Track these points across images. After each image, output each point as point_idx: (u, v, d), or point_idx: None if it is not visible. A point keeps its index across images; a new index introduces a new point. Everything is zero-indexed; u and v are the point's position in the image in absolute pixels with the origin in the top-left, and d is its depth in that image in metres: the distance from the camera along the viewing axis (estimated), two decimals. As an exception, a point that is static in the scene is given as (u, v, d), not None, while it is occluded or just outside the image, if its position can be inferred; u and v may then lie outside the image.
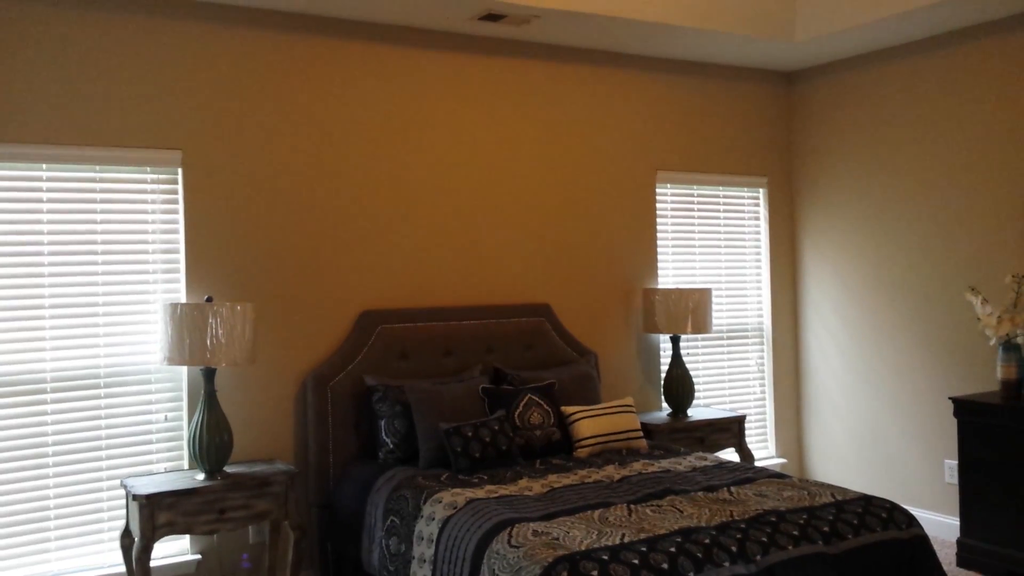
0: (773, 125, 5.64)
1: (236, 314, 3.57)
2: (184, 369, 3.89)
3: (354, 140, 4.30)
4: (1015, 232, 4.46)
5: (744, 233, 5.56)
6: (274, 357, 4.08)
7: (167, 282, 3.90)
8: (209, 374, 3.63)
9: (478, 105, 4.63)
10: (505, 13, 4.22)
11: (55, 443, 3.67)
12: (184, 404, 3.91)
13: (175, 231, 3.92)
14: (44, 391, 3.65)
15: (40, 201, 3.66)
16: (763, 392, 5.60)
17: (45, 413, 3.65)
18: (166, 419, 3.89)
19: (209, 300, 3.64)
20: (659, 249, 5.19)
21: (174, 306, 3.51)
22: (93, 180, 3.77)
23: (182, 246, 3.91)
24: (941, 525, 4.74)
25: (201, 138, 3.95)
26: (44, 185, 3.67)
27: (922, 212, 4.90)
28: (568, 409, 4.19)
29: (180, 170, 3.90)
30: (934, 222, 4.83)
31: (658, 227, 5.20)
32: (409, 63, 4.44)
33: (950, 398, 4.30)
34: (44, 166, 3.67)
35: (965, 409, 4.20)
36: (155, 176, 3.89)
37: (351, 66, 4.30)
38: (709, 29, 4.58)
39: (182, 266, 3.91)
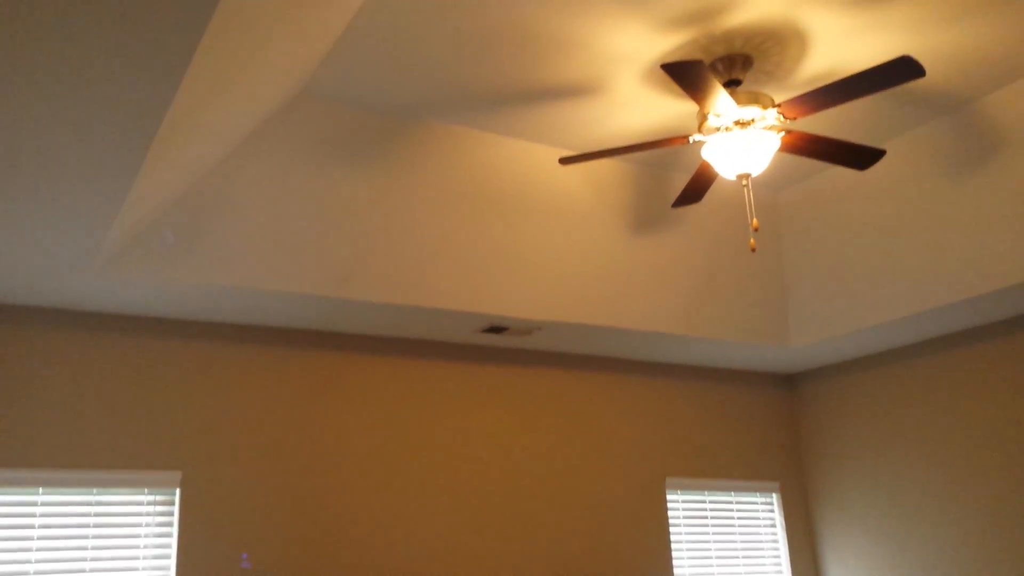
0: (780, 428, 5.60)
1: (221, 650, 3.31)
2: None
3: (354, 455, 4.26)
4: (1046, 539, 4.25)
5: (761, 542, 5.31)
6: None
7: (152, 612, 3.68)
8: None
9: (481, 414, 4.64)
10: (507, 326, 4.36)
11: None
12: None
13: (167, 555, 3.76)
14: None
15: (32, 528, 3.56)
16: None
17: None
18: None
19: (194, 634, 3.40)
20: (675, 561, 4.94)
21: (156, 643, 3.28)
22: (88, 504, 3.69)
23: (173, 573, 3.73)
24: None
25: (201, 458, 3.91)
26: (38, 510, 3.59)
27: (950, 519, 4.69)
28: None
29: (178, 490, 3.83)
30: (964, 530, 4.61)
31: (672, 536, 4.98)
32: (412, 375, 4.52)
33: None
34: (40, 490, 3.61)
35: None
36: (152, 498, 3.81)
37: (353, 380, 4.37)
38: (704, 337, 4.70)
39: (170, 594, 3.71)
